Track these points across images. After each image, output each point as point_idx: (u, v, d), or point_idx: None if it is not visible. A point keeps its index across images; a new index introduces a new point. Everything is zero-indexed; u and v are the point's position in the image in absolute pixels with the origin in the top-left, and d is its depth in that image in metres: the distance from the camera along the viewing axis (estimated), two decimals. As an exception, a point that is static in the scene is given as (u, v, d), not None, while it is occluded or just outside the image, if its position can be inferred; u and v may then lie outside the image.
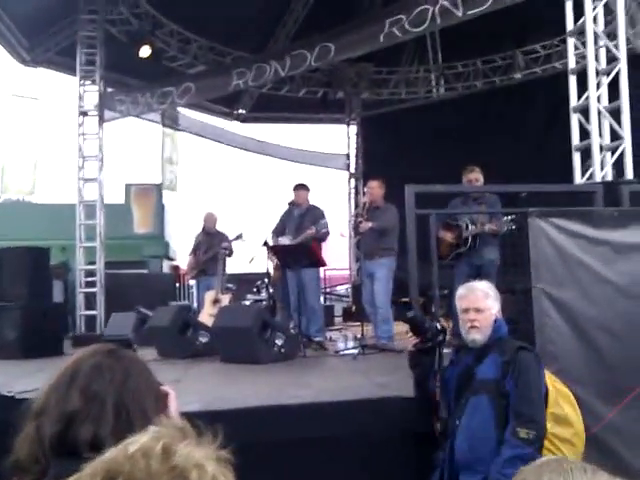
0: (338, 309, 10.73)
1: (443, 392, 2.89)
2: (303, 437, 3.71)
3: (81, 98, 9.88)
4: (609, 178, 5.16)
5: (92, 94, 9.90)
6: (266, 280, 7.66)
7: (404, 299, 3.09)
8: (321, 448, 3.71)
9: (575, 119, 5.53)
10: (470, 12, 6.62)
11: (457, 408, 2.82)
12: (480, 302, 2.86)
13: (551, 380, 2.86)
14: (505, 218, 5.80)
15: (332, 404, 3.96)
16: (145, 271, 10.92)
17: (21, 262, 7.35)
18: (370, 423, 3.85)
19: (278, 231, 7.34)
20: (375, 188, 6.82)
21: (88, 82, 9.84)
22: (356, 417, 3.89)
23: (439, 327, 2.97)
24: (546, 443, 2.73)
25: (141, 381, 1.29)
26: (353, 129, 13.50)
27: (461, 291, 2.97)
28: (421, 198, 4.67)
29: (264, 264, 8.17)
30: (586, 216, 4.12)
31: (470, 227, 6.10)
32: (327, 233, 7.05)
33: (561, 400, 2.84)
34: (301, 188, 7.34)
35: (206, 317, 7.04)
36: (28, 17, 9.86)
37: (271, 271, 8.01)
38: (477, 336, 2.83)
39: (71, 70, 10.24)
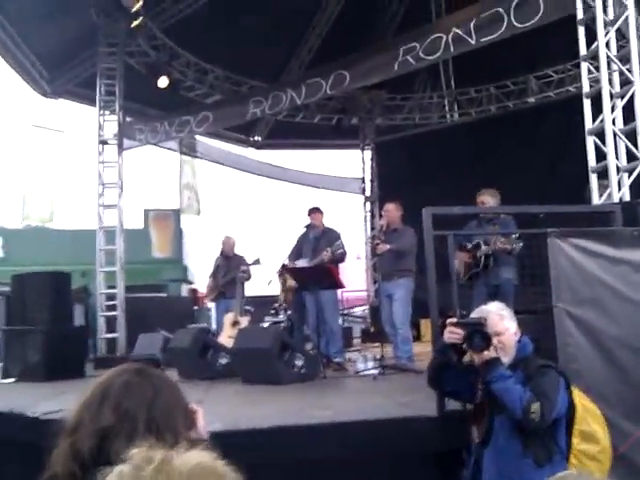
0: (356, 330, 10.75)
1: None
2: (324, 457, 3.73)
3: (101, 127, 10.11)
4: (626, 199, 5.21)
5: (111, 123, 10.13)
6: (283, 302, 7.73)
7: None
8: (343, 468, 3.73)
9: (591, 141, 5.59)
10: (483, 40, 6.75)
11: (484, 428, 2.82)
12: (498, 325, 2.84)
13: (579, 397, 2.86)
14: (513, 236, 5.87)
15: (354, 423, 3.97)
16: (164, 294, 11.02)
17: (43, 287, 7.46)
18: (393, 443, 3.86)
19: (295, 254, 7.42)
20: (392, 211, 6.90)
21: (107, 112, 10.08)
22: (378, 437, 3.90)
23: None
24: (573, 460, 2.73)
25: (170, 398, 1.33)
26: (368, 154, 13.62)
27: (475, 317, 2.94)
28: (438, 220, 4.73)
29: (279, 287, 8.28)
30: (606, 236, 4.16)
31: (482, 246, 6.16)
32: (344, 254, 7.11)
33: (589, 417, 2.83)
34: (316, 211, 7.43)
35: (226, 339, 7.10)
36: (49, 49, 10.17)
37: (280, 293, 8.12)
38: (503, 359, 2.79)
39: (91, 101, 10.52)
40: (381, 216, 7.25)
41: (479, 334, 2.76)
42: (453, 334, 2.86)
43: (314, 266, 6.87)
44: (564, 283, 4.25)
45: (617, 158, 5.42)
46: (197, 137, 11.87)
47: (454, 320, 2.97)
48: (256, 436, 3.61)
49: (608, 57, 5.58)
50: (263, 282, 8.62)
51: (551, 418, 2.62)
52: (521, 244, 5.85)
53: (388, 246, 6.54)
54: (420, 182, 11.26)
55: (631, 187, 5.37)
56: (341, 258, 7.09)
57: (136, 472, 0.89)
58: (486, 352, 2.73)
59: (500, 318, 2.86)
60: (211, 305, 8.49)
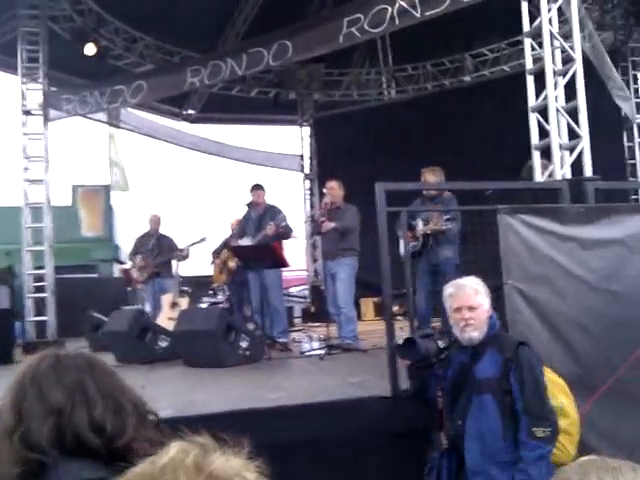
0: (297, 310, 10.66)
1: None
2: (282, 440, 3.62)
3: (24, 97, 9.48)
4: (568, 176, 5.29)
5: (35, 93, 9.53)
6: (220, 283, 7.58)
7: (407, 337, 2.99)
8: (302, 451, 3.63)
9: (534, 118, 5.64)
10: (428, 13, 6.66)
11: (457, 408, 2.76)
12: (472, 299, 2.80)
13: (545, 371, 2.87)
14: (443, 217, 5.94)
15: (310, 406, 3.89)
16: (95, 275, 10.56)
17: (-37, 267, 6.98)
18: (349, 424, 3.80)
19: (238, 234, 7.23)
20: (335, 189, 6.81)
21: (30, 80, 9.46)
22: (335, 418, 3.83)
23: (441, 346, 2.88)
24: None
25: (102, 366, 1.29)
26: (306, 130, 13.44)
27: (450, 290, 2.89)
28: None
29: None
30: (554, 213, 4.20)
31: (420, 226, 6.21)
32: (289, 228, 6.98)
33: (556, 391, 2.85)
34: (258, 188, 7.27)
35: (165, 321, 6.85)
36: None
37: (215, 274, 7.95)
38: (473, 334, 2.77)
39: (12, 68, 9.84)
40: (322, 194, 7.15)
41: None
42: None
43: (258, 244, 6.71)
44: (513, 260, 4.27)
45: (559, 135, 5.49)
46: (128, 109, 11.29)
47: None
48: (212, 421, 3.45)
49: (551, 34, 5.61)
50: (199, 262, 8.39)
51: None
52: (451, 225, 5.94)
53: (333, 224, 6.44)
54: (359, 160, 11.23)
55: (572, 165, 5.47)
56: (286, 232, 6.95)
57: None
58: None
59: (475, 293, 2.82)
60: (142, 286, 8.08)
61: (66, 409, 1.17)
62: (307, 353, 6.05)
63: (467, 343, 2.81)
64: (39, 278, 9.03)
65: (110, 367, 1.31)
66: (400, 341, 3.02)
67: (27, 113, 9.44)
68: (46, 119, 9.45)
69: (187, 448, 0.79)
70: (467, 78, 12.23)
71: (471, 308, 2.78)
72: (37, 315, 8.91)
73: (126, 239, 13.02)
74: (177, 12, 10.33)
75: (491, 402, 2.65)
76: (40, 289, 8.96)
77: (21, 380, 1.22)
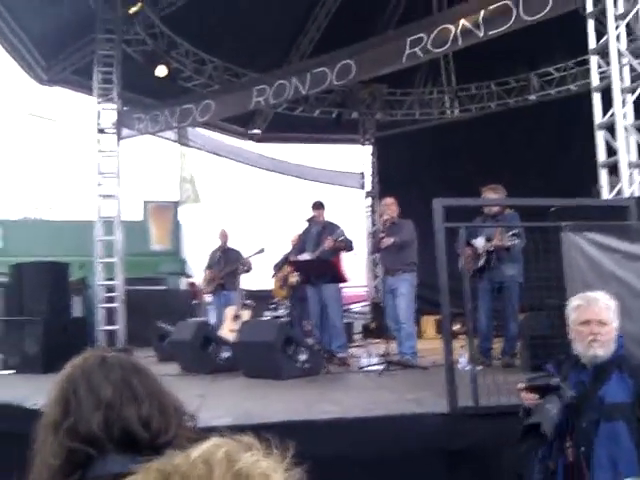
0: (357, 327, 10.67)
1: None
2: (336, 453, 3.65)
3: (99, 116, 9.97)
4: (637, 194, 5.15)
5: (109, 112, 9.99)
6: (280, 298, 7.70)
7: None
8: (355, 465, 3.66)
9: (600, 136, 5.54)
10: (491, 32, 6.67)
11: (578, 434, 2.47)
12: (603, 314, 2.58)
13: None
14: (509, 234, 5.83)
15: (364, 420, 3.91)
16: (163, 287, 10.94)
17: (41, 277, 7.38)
18: (404, 440, 3.80)
19: (298, 249, 7.37)
20: (393, 205, 6.88)
21: (105, 101, 9.94)
22: (389, 433, 3.84)
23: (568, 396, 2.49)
24: None
25: (145, 368, 1.31)
26: (368, 149, 13.53)
27: (578, 302, 2.67)
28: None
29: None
30: (621, 230, 4.10)
31: (482, 243, 6.12)
32: (349, 241, 7.03)
33: None
34: (319, 206, 7.39)
35: (227, 332, 7.02)
36: (45, 36, 10.01)
37: (275, 289, 8.08)
38: (600, 351, 2.53)
39: (87, 89, 10.38)
40: (381, 213, 7.19)
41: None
42: (527, 400, 2.53)
43: (317, 259, 6.80)
44: (578, 278, 4.18)
45: (628, 153, 5.36)
46: (197, 129, 11.71)
47: (522, 385, 2.58)
48: (266, 430, 3.53)
49: (619, 51, 5.52)
50: (262, 276, 8.56)
51: None
52: (517, 241, 5.82)
53: (392, 239, 6.48)
54: (420, 178, 11.22)
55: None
56: (347, 246, 7.00)
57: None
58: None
59: (607, 308, 2.62)
60: (209, 298, 8.38)
61: (116, 403, 1.19)
62: (365, 368, 6.06)
63: (589, 361, 2.57)
64: (110, 289, 9.44)
65: (152, 371, 1.33)
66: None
67: (101, 132, 9.91)
68: (119, 137, 9.90)
69: (220, 443, 0.81)
70: (532, 97, 12.05)
71: (601, 323, 2.56)
72: (108, 324, 9.29)
73: (193, 253, 13.45)
74: (244, 34, 10.66)
75: (625, 429, 2.42)
76: (111, 299, 9.35)
77: (70, 376, 1.24)
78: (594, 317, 2.58)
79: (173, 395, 1.29)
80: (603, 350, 2.54)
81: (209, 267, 8.49)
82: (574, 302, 2.71)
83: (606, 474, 2.39)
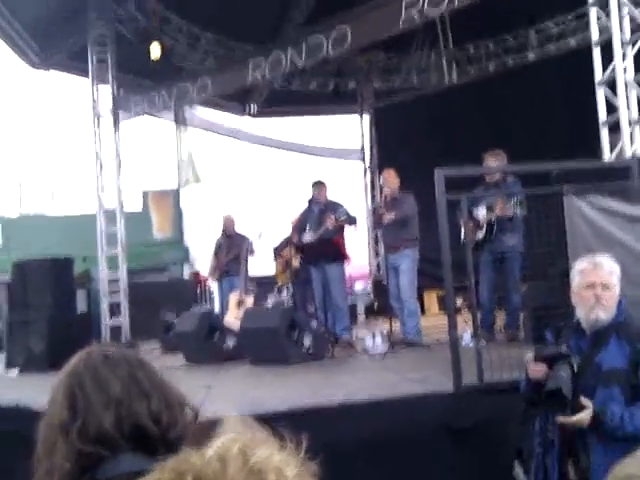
0: (360, 306, 10.57)
1: None
2: (345, 438, 3.60)
3: (95, 100, 9.83)
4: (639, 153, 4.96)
5: (106, 97, 9.85)
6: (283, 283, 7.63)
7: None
8: (364, 448, 3.60)
9: (601, 93, 5.33)
10: (488, -11, 6.40)
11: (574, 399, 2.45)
12: (608, 278, 2.54)
13: None
14: (513, 201, 5.66)
15: (370, 403, 3.85)
16: (166, 278, 10.91)
17: (45, 275, 7.32)
18: (412, 420, 3.74)
19: (299, 228, 7.24)
20: (392, 177, 6.72)
21: (100, 82, 9.80)
22: (398, 415, 3.78)
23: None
24: None
25: (149, 363, 1.29)
26: (366, 119, 13.31)
27: (584, 265, 2.62)
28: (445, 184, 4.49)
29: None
30: (623, 192, 3.96)
31: (483, 213, 5.96)
32: (352, 217, 6.88)
33: None
34: (319, 184, 7.25)
35: (231, 319, 6.95)
36: (37, 20, 9.82)
37: (277, 274, 8.00)
38: (602, 314, 2.50)
39: (82, 72, 10.23)
40: (380, 187, 7.02)
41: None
42: (535, 372, 2.49)
43: (320, 238, 6.69)
44: (580, 243, 4.07)
45: (629, 109, 5.15)
46: (189, 106, 11.52)
47: (531, 355, 2.56)
48: (274, 419, 3.47)
49: (619, 0, 5.26)
50: (264, 261, 8.48)
51: None
52: (518, 210, 5.65)
53: (393, 215, 6.33)
54: (419, 148, 11.03)
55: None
56: (350, 222, 6.84)
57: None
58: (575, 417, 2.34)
59: (611, 272, 2.58)
60: (214, 286, 8.33)
61: (125, 400, 1.17)
62: (370, 350, 5.97)
63: (591, 325, 2.54)
64: (114, 281, 9.40)
65: (154, 365, 1.32)
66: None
67: (98, 115, 9.78)
68: (116, 121, 9.77)
69: (234, 438, 0.79)
70: (531, 55, 11.71)
71: (605, 286, 2.52)
72: (112, 318, 9.27)
73: (196, 240, 13.38)
74: (235, 6, 10.39)
75: (619, 395, 2.41)
76: (115, 292, 9.34)
77: (74, 374, 1.21)
78: (598, 280, 2.55)
79: (176, 389, 1.28)
80: (605, 314, 2.52)
81: (215, 254, 8.41)
82: (579, 265, 2.68)
83: (601, 440, 2.39)
